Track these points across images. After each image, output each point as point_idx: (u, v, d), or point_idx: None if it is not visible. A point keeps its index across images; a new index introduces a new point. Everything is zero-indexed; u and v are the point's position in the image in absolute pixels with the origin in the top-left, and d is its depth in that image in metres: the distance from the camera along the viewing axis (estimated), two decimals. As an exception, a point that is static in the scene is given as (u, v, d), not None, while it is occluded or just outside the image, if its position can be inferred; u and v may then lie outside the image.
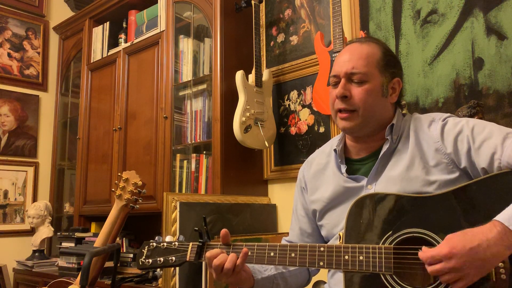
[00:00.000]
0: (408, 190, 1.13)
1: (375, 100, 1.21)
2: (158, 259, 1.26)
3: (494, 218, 0.94)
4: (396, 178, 1.17)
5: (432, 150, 1.16)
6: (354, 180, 1.25)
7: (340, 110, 1.24)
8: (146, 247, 1.29)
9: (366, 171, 1.24)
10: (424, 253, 0.96)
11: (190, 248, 1.24)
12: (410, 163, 1.17)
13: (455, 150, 1.13)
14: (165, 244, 1.27)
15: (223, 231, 1.21)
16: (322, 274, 1.40)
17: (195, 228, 1.23)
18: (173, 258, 1.25)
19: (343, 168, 1.28)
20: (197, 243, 1.23)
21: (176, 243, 1.27)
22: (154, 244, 1.29)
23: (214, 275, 1.18)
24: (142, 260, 1.27)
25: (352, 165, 1.29)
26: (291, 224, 1.46)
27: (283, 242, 1.45)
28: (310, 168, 1.41)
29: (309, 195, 1.38)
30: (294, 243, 1.39)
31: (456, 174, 1.12)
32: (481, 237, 0.91)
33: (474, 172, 1.11)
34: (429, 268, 0.94)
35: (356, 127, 1.23)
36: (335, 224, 1.27)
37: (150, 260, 1.26)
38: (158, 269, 2.40)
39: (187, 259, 1.23)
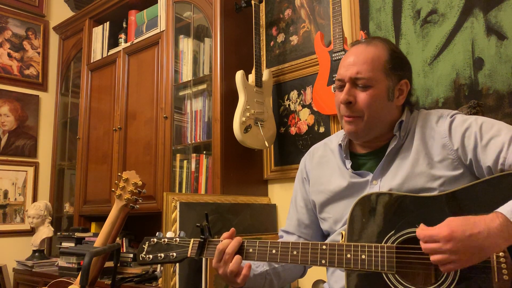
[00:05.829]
0: (413, 186, 1.14)
1: (380, 104, 1.20)
2: (159, 254, 1.25)
3: (497, 210, 0.94)
4: (401, 174, 1.17)
5: (439, 146, 1.16)
6: (359, 176, 1.25)
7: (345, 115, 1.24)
8: (147, 242, 1.28)
9: (371, 166, 1.25)
10: (423, 231, 0.95)
11: (191, 244, 1.24)
12: (415, 159, 1.17)
13: (462, 146, 1.13)
14: (166, 240, 1.27)
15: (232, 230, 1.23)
16: (321, 273, 1.40)
17: (197, 224, 1.22)
18: (174, 254, 1.24)
19: (348, 163, 1.27)
20: (199, 239, 1.23)
21: (177, 239, 1.26)
22: (155, 239, 1.27)
23: (218, 271, 1.18)
24: (143, 255, 1.26)
25: (357, 160, 1.29)
26: (288, 213, 1.46)
27: (280, 233, 1.46)
28: (312, 159, 1.41)
29: (310, 186, 1.37)
30: (290, 233, 1.41)
31: (461, 171, 1.12)
32: (482, 225, 0.91)
33: (478, 170, 1.11)
34: (424, 245, 0.94)
35: (361, 132, 1.23)
36: (338, 219, 1.26)
37: (151, 256, 1.25)
38: (158, 269, 2.39)
39: (188, 255, 1.23)
